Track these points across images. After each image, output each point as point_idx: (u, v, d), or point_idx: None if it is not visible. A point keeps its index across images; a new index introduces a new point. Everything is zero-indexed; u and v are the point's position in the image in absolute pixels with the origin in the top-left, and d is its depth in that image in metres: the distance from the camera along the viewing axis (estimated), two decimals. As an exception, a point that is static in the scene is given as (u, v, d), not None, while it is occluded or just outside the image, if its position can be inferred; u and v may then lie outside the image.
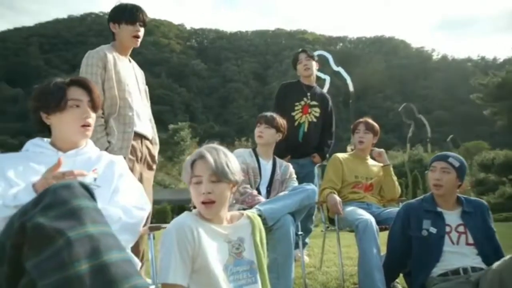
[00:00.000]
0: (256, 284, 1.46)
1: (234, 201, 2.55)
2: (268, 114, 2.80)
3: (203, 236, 1.37)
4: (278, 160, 2.80)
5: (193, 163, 1.42)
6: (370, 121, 3.02)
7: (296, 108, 3.55)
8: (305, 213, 2.48)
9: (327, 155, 3.58)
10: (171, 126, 41.80)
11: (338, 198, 2.68)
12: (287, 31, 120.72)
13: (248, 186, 2.58)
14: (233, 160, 1.46)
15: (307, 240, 3.66)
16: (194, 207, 1.47)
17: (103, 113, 2.31)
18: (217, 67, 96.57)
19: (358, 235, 2.35)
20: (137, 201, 1.54)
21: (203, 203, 1.39)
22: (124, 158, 1.83)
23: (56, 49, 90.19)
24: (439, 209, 2.13)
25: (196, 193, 1.41)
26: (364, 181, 2.89)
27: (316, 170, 3.37)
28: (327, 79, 6.74)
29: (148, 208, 1.58)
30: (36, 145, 1.55)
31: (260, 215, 2.09)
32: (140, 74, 2.64)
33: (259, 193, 2.58)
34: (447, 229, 2.08)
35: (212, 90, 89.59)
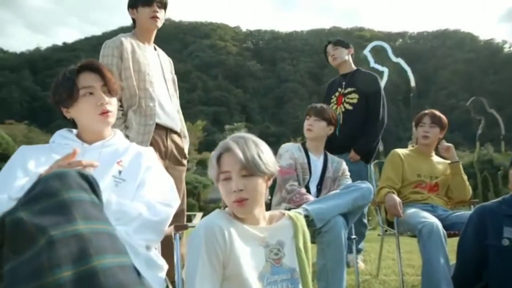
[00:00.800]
0: None
1: (280, 200, 2.38)
2: (318, 105, 2.59)
3: (236, 239, 1.19)
4: (330, 156, 2.56)
5: (219, 157, 1.25)
6: (437, 113, 2.67)
7: (332, 101, 3.30)
8: (359, 214, 2.22)
9: (374, 150, 3.21)
10: (227, 127, 42.57)
11: (397, 199, 2.38)
12: (343, 29, 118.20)
13: (296, 183, 2.37)
14: (265, 149, 1.26)
15: (362, 244, 3.33)
16: (225, 207, 1.30)
17: (121, 106, 2.17)
18: (273, 67, 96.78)
19: (422, 241, 2.06)
20: (164, 197, 1.39)
21: (235, 201, 1.21)
22: None
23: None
24: None
25: (226, 191, 1.23)
26: (428, 180, 2.56)
27: (372, 167, 3.07)
28: (385, 71, 6.24)
29: (175, 205, 1.43)
30: (62, 137, 1.47)
31: (307, 216, 1.91)
32: (167, 62, 2.49)
33: (308, 191, 2.38)
34: None
35: (267, 90, 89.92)
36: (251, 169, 1.20)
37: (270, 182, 1.31)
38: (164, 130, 2.28)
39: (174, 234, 1.46)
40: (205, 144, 36.04)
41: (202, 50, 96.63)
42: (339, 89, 3.28)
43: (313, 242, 2.00)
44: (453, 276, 1.93)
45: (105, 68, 1.45)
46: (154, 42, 2.44)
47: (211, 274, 1.15)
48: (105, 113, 1.40)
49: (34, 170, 1.26)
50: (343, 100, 3.22)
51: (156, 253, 1.35)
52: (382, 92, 3.24)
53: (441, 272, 1.92)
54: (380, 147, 3.43)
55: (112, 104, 1.44)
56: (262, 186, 1.25)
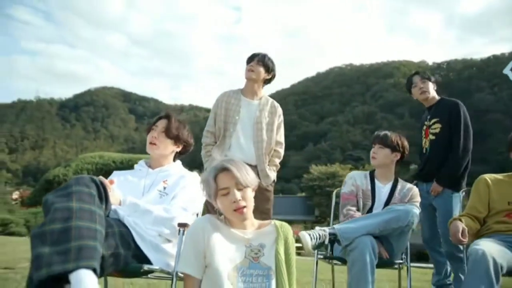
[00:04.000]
0: None
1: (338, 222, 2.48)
2: (382, 132, 2.65)
3: (216, 236, 1.54)
4: (401, 182, 2.60)
5: (215, 177, 1.58)
6: None
7: (422, 136, 3.36)
8: (403, 237, 2.31)
9: (460, 179, 3.07)
10: (412, 167, 39.89)
11: (461, 225, 2.11)
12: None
13: (354, 208, 2.50)
14: (248, 168, 1.64)
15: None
16: (220, 214, 1.64)
17: (215, 141, 2.96)
18: (468, 99, 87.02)
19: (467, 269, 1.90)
20: (184, 203, 1.95)
21: (236, 210, 1.54)
22: None
23: (306, 103, 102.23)
24: None
25: (226, 203, 1.56)
26: None
27: (461, 195, 3.01)
28: None
29: (192, 210, 1.99)
30: (140, 164, 2.20)
31: (334, 234, 2.13)
32: (267, 109, 3.04)
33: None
34: None
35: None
36: (244, 182, 1.56)
37: (254, 193, 1.63)
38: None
39: (178, 230, 1.83)
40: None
41: (386, 89, 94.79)
42: (426, 122, 3.32)
43: (344, 259, 2.22)
44: None
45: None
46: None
47: (193, 260, 1.52)
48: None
49: (117, 185, 1.95)
50: (429, 132, 3.27)
51: (170, 245, 1.90)
52: (465, 119, 3.15)
53: None
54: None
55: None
56: (252, 195, 1.60)
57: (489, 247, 1.88)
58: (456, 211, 2.94)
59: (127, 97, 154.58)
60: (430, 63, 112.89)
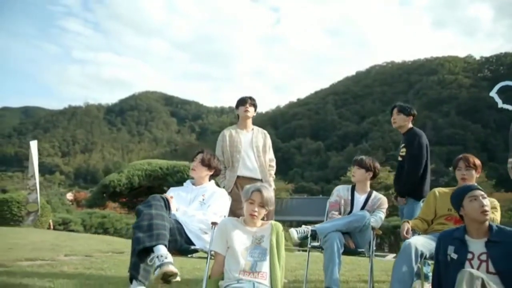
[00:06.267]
0: (265, 261, 2.43)
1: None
2: (359, 157, 3.54)
3: (235, 230, 2.50)
4: (375, 194, 3.48)
5: (252, 192, 2.50)
6: (471, 157, 3.15)
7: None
8: (364, 233, 3.12)
9: (418, 189, 3.78)
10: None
11: (407, 226, 2.97)
12: None
13: (336, 212, 3.44)
14: (272, 195, 2.59)
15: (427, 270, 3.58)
16: (238, 217, 2.66)
17: (225, 167, 3.87)
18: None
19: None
20: (215, 210, 2.97)
21: (251, 215, 2.50)
22: (229, 190, 3.56)
23: (347, 103, 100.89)
24: (466, 237, 2.27)
25: (248, 208, 2.52)
26: (456, 213, 2.81)
27: (421, 203, 3.66)
28: None
29: (220, 214, 2.97)
30: (188, 182, 3.23)
31: (314, 230, 3.15)
32: (260, 136, 4.05)
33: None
34: (469, 256, 2.22)
35: (515, 121, 76.33)
36: (265, 203, 2.48)
37: (265, 212, 2.53)
38: (248, 179, 3.77)
39: (211, 226, 2.77)
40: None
41: (429, 87, 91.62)
42: (400, 147, 4.06)
43: (322, 247, 3.10)
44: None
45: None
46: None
47: (220, 243, 2.49)
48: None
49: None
50: (400, 155, 4.03)
51: (206, 236, 2.87)
52: (420, 147, 3.84)
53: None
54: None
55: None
56: (263, 213, 2.53)
57: (415, 240, 2.65)
58: (417, 215, 3.49)
59: (169, 101, 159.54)
60: (478, 57, 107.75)
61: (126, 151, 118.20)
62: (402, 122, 4.01)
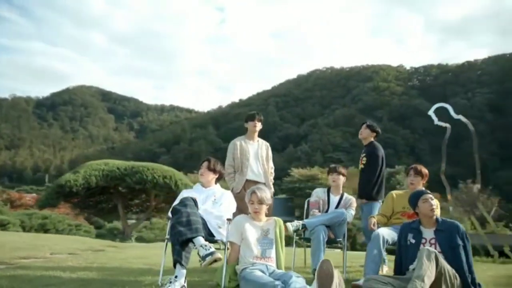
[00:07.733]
0: (272, 249, 3.11)
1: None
2: (336, 166, 4.51)
3: (246, 224, 3.15)
4: (346, 195, 4.39)
5: (251, 193, 3.16)
6: (419, 166, 3.91)
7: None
8: (342, 227, 4.06)
9: (376, 191, 4.53)
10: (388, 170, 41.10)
11: (373, 220, 3.82)
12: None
13: (316, 211, 4.29)
14: (268, 194, 3.23)
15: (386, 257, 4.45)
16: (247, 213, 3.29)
17: (234, 171, 4.55)
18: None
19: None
20: (226, 208, 3.55)
21: (254, 212, 3.17)
22: (238, 191, 4.16)
23: (288, 105, 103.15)
24: (420, 227, 3.11)
25: (251, 208, 3.19)
26: (409, 210, 3.62)
27: (380, 203, 4.44)
28: (448, 126, 7.31)
29: (231, 210, 3.55)
30: (197, 185, 3.80)
31: (304, 224, 3.93)
32: (264, 147, 4.75)
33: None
34: (423, 240, 3.03)
35: (439, 129, 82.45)
36: (263, 201, 3.13)
37: (267, 207, 3.20)
38: (254, 182, 4.29)
39: (226, 222, 3.37)
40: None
41: (365, 93, 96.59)
42: (361, 156, 4.79)
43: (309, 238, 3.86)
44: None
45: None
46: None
47: (235, 234, 3.12)
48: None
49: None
50: (361, 162, 4.78)
51: (223, 230, 3.38)
52: (376, 158, 4.64)
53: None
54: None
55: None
56: (264, 208, 3.18)
57: (382, 230, 3.47)
58: (375, 212, 4.31)
59: (106, 96, 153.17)
60: (408, 67, 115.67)
61: (59, 148, 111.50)
62: (366, 135, 4.82)
